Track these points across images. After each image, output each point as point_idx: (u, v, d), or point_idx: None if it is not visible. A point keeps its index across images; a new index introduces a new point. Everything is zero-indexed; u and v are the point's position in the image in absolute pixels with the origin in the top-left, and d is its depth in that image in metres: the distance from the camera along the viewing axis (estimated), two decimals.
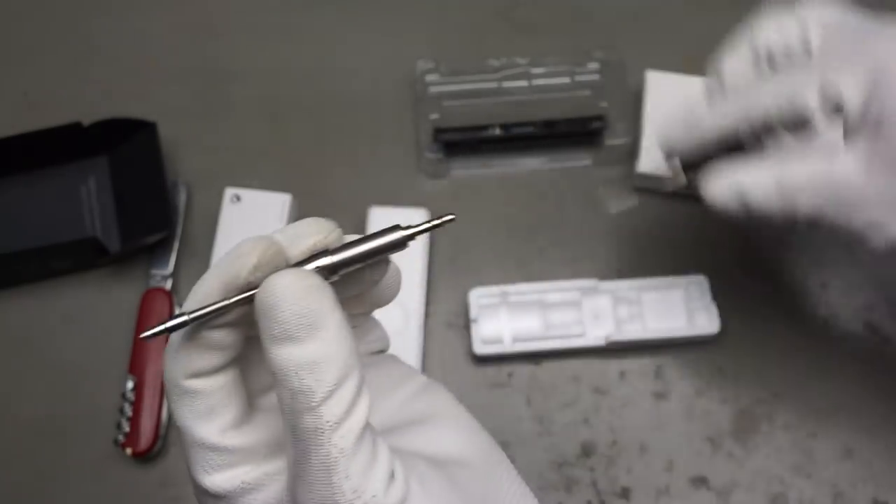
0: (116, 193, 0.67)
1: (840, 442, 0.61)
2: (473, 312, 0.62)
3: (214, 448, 0.32)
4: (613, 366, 0.63)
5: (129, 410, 0.61)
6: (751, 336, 0.64)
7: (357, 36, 0.74)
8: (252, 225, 0.63)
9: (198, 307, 0.31)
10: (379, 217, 0.64)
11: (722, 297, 0.63)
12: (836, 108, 0.44)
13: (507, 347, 0.62)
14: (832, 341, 0.64)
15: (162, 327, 0.30)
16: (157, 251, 0.65)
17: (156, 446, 0.61)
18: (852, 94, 0.44)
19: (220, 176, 0.68)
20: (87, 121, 0.66)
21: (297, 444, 0.30)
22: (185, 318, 0.30)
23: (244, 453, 0.32)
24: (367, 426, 0.30)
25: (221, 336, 0.31)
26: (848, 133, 0.44)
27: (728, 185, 0.48)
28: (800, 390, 0.63)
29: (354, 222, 0.66)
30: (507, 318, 0.63)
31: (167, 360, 0.32)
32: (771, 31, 0.50)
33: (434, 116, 0.68)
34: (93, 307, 0.65)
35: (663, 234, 0.66)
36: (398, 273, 0.36)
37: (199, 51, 0.73)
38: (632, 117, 0.68)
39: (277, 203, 0.64)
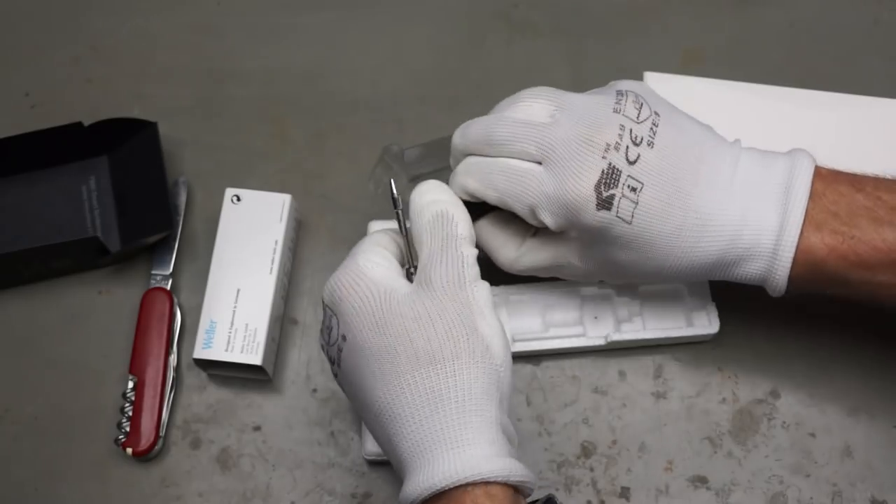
0: (117, 193, 0.67)
1: (839, 441, 0.62)
2: None
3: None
4: (613, 366, 0.63)
5: (129, 410, 0.61)
6: (751, 336, 0.64)
7: (357, 36, 0.74)
8: (252, 225, 0.63)
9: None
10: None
11: (722, 297, 0.63)
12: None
13: None
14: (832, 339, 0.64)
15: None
16: (157, 251, 0.66)
17: (156, 446, 0.61)
18: (554, 224, 0.52)
19: (220, 176, 0.68)
20: (87, 121, 0.66)
21: (435, 242, 0.49)
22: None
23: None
24: (481, 279, 0.49)
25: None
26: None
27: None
28: (799, 390, 0.63)
29: (354, 222, 0.66)
30: (507, 317, 0.63)
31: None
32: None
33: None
34: (93, 307, 0.66)
35: None
36: None
37: (199, 51, 0.73)
38: None
39: (277, 203, 0.64)
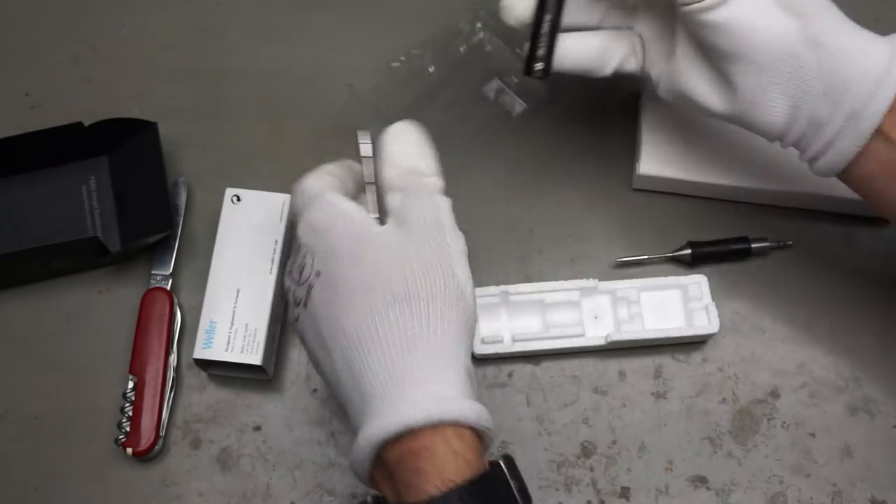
0: (117, 193, 0.67)
1: (839, 441, 0.62)
2: None
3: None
4: (613, 366, 0.63)
5: (129, 410, 0.61)
6: (750, 336, 0.64)
7: (357, 36, 0.74)
8: (252, 225, 0.63)
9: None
10: None
11: (722, 297, 0.63)
12: None
13: (507, 347, 0.62)
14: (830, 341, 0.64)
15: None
16: (157, 251, 0.66)
17: (156, 446, 0.61)
18: None
19: (220, 176, 0.68)
20: (88, 121, 0.66)
21: (409, 195, 0.49)
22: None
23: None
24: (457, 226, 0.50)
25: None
26: None
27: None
28: (799, 390, 0.63)
29: None
30: (507, 317, 0.63)
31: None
32: None
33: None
34: (93, 307, 0.66)
35: (664, 233, 0.67)
36: None
37: (199, 51, 0.73)
38: None
39: (277, 203, 0.64)
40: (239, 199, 0.64)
